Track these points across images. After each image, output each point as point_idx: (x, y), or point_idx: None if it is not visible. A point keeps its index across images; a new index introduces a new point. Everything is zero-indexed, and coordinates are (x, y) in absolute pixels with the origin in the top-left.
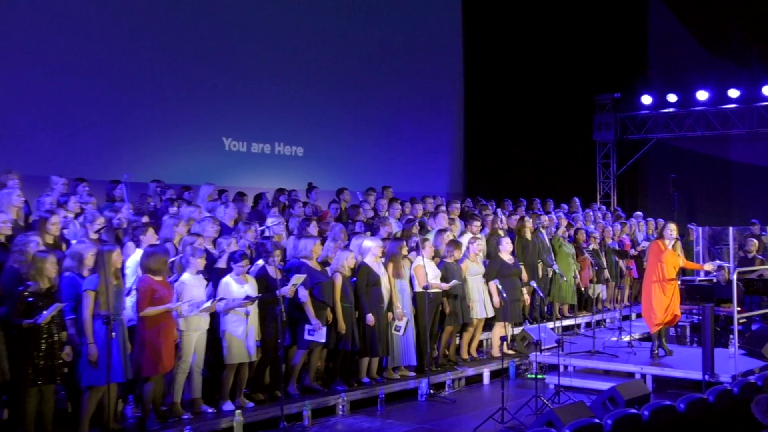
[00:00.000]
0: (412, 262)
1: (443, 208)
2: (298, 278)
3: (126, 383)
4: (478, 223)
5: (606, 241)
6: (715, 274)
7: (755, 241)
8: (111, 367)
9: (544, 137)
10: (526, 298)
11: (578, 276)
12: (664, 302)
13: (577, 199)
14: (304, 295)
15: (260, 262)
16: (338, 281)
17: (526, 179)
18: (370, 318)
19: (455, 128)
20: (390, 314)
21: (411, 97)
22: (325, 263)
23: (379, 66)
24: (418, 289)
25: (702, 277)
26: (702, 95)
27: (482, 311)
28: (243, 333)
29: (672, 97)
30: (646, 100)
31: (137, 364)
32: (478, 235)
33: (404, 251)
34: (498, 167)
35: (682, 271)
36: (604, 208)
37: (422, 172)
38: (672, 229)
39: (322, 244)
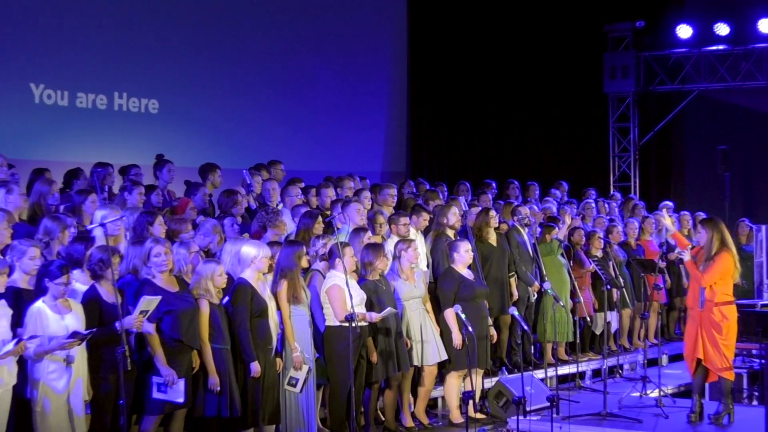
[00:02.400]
0: (316, 278)
1: (366, 194)
2: (148, 302)
3: None
4: (426, 216)
5: (623, 245)
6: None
7: None
8: None
9: (528, 90)
10: (493, 333)
11: (579, 298)
12: (734, 334)
13: (592, 189)
14: (149, 329)
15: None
16: (204, 309)
17: (501, 153)
18: (255, 367)
19: (393, 82)
20: (280, 361)
21: (330, 46)
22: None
23: None
24: (332, 321)
25: (765, 300)
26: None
27: (433, 354)
28: (64, 389)
29: (723, 29)
30: (684, 32)
31: None
32: (412, 237)
33: (303, 262)
34: (459, 136)
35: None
36: (619, 195)
37: (344, 145)
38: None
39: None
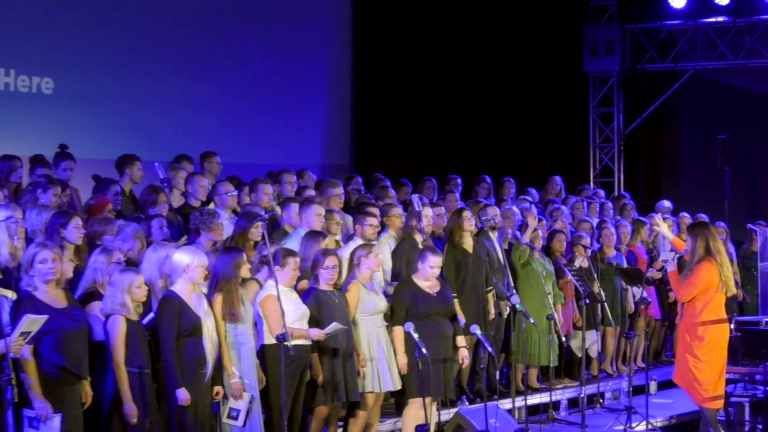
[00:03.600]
0: (258, 290)
1: (312, 193)
2: (31, 322)
3: None
4: (373, 220)
5: (604, 253)
6: None
7: None
8: None
9: (494, 72)
10: (463, 356)
11: (554, 315)
12: (718, 359)
13: (559, 180)
14: (25, 353)
15: None
16: (117, 327)
17: (465, 145)
18: (182, 395)
19: (335, 64)
20: (219, 389)
21: (263, 21)
22: (90, 295)
23: None
24: (270, 339)
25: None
26: None
27: (385, 381)
28: None
29: None
30: (678, 1)
31: None
32: (373, 242)
33: (244, 272)
34: (414, 125)
35: (737, 308)
36: (602, 193)
37: (278, 135)
38: (720, 232)
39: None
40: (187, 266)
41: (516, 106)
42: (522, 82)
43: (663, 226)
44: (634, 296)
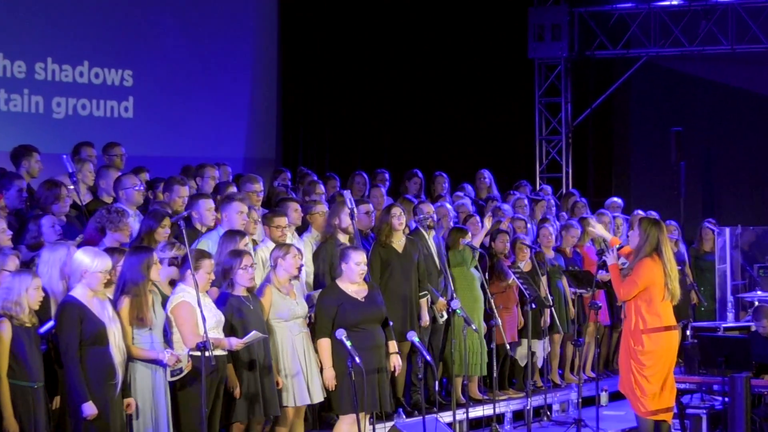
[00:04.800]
0: (169, 295)
1: (233, 190)
2: None
3: None
4: (281, 220)
5: (543, 254)
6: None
7: None
8: None
9: (432, 58)
10: (395, 363)
11: (496, 321)
12: (664, 369)
13: (487, 174)
14: None
15: None
16: (3, 334)
17: (398, 137)
18: (88, 409)
19: (260, 48)
20: (130, 401)
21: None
22: None
23: None
24: (182, 350)
25: (729, 323)
26: None
27: (302, 394)
28: None
29: None
30: None
31: None
32: (294, 240)
33: (153, 274)
34: (345, 115)
35: (692, 313)
36: (549, 189)
37: (197, 125)
38: (670, 230)
39: None
40: (86, 270)
41: (455, 96)
42: (461, 69)
43: (598, 227)
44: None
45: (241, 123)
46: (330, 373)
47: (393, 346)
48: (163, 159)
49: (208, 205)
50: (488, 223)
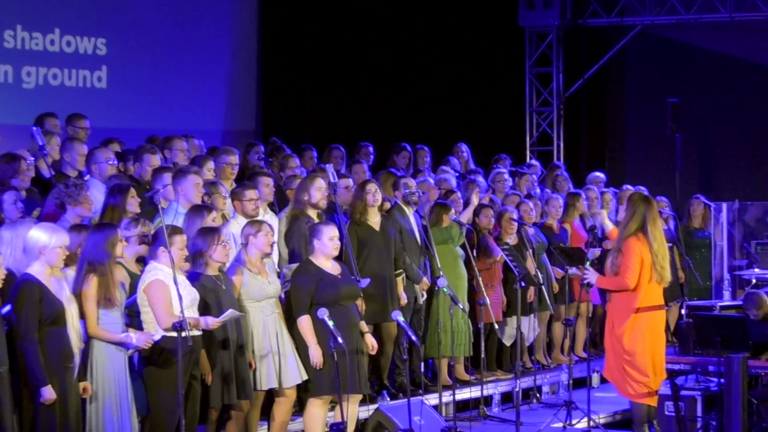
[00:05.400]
0: (140, 274)
1: (209, 163)
2: None
3: None
4: (253, 193)
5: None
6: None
7: None
8: None
9: (417, 27)
10: (370, 343)
11: (484, 299)
12: (650, 350)
13: (464, 147)
14: None
15: None
16: None
17: (383, 109)
18: (47, 393)
19: (240, 16)
20: (86, 385)
21: None
22: None
23: None
24: (156, 334)
25: (725, 301)
26: None
27: (293, 373)
28: None
29: None
30: None
31: None
32: (267, 217)
33: (118, 251)
34: (328, 86)
35: (686, 291)
36: (538, 165)
37: (174, 96)
38: (661, 206)
39: None
40: (44, 246)
41: (442, 66)
42: (449, 38)
43: (603, 214)
44: (555, 278)
45: (219, 93)
46: (317, 351)
47: (364, 326)
48: (138, 131)
49: (168, 179)
50: (476, 198)
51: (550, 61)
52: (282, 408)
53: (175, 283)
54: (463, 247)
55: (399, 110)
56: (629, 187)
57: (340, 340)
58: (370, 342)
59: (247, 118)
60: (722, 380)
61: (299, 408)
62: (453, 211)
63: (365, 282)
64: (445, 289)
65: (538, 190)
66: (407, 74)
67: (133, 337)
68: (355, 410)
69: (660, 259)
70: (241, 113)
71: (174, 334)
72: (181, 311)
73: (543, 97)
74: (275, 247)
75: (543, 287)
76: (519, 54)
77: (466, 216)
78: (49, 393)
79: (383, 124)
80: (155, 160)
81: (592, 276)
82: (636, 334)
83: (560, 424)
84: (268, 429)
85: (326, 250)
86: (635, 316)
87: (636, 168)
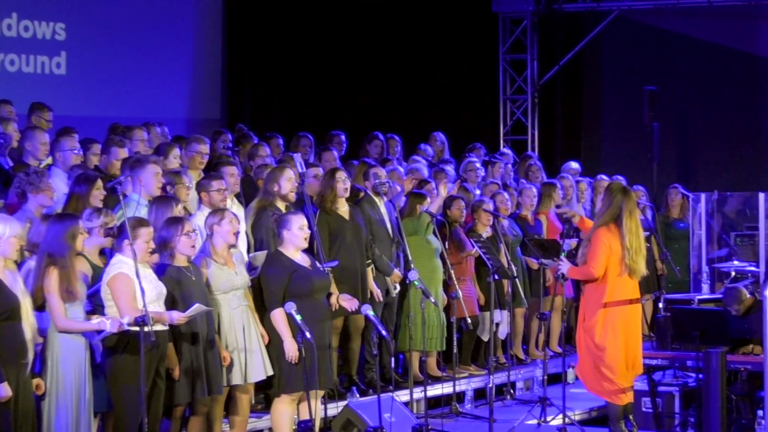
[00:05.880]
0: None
1: (175, 151)
2: None
3: None
4: (219, 183)
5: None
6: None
7: None
8: None
9: (388, 13)
10: (376, 294)
11: (457, 293)
12: (622, 346)
13: (440, 136)
14: None
15: None
16: None
17: (353, 97)
18: (3, 390)
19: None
20: (39, 382)
21: None
22: None
23: None
24: (111, 328)
25: (704, 294)
26: None
27: (258, 368)
28: None
29: None
30: None
31: None
32: (234, 208)
33: (79, 243)
34: (295, 73)
35: (663, 284)
36: (510, 154)
37: (135, 83)
38: (638, 196)
39: None
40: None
41: (413, 53)
42: (420, 23)
43: (575, 214)
44: (529, 269)
45: (183, 81)
46: (293, 345)
47: (333, 287)
48: (98, 119)
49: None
50: (443, 191)
51: (524, 47)
52: (244, 404)
53: (138, 276)
54: (436, 237)
55: (368, 98)
56: (604, 177)
57: (308, 335)
58: (376, 292)
59: (212, 106)
60: (700, 375)
61: (265, 405)
62: (428, 201)
63: (333, 263)
64: (416, 282)
65: (512, 180)
66: (378, 62)
67: (107, 323)
68: (318, 406)
69: (633, 253)
70: (206, 100)
71: (137, 328)
72: (144, 306)
73: (517, 84)
74: (242, 236)
75: (517, 280)
76: (492, 40)
77: (435, 207)
78: (4, 390)
79: (353, 112)
80: (123, 153)
81: (564, 267)
82: (607, 329)
83: (535, 421)
84: (230, 426)
85: (296, 241)
86: (604, 310)
87: (613, 157)
